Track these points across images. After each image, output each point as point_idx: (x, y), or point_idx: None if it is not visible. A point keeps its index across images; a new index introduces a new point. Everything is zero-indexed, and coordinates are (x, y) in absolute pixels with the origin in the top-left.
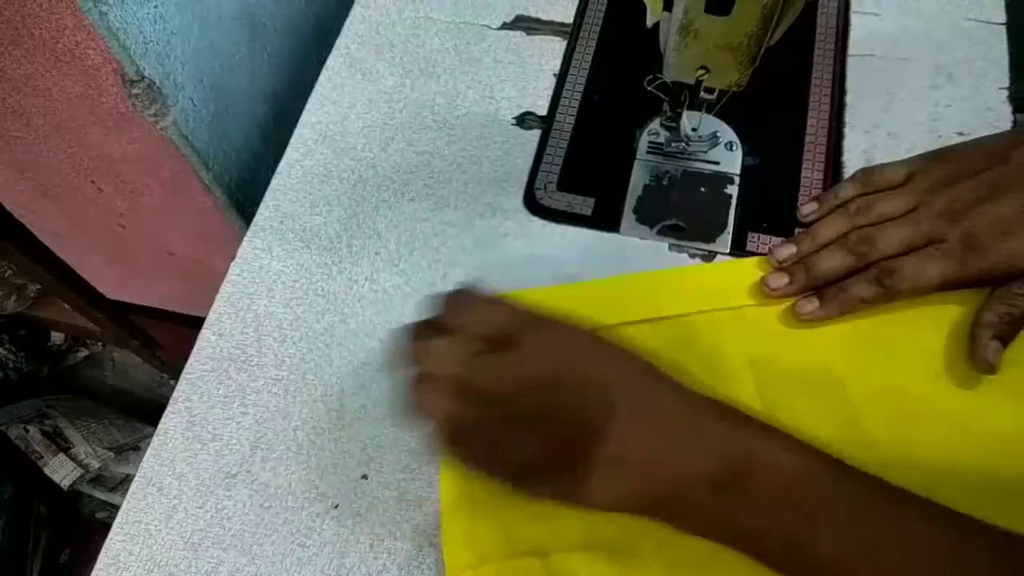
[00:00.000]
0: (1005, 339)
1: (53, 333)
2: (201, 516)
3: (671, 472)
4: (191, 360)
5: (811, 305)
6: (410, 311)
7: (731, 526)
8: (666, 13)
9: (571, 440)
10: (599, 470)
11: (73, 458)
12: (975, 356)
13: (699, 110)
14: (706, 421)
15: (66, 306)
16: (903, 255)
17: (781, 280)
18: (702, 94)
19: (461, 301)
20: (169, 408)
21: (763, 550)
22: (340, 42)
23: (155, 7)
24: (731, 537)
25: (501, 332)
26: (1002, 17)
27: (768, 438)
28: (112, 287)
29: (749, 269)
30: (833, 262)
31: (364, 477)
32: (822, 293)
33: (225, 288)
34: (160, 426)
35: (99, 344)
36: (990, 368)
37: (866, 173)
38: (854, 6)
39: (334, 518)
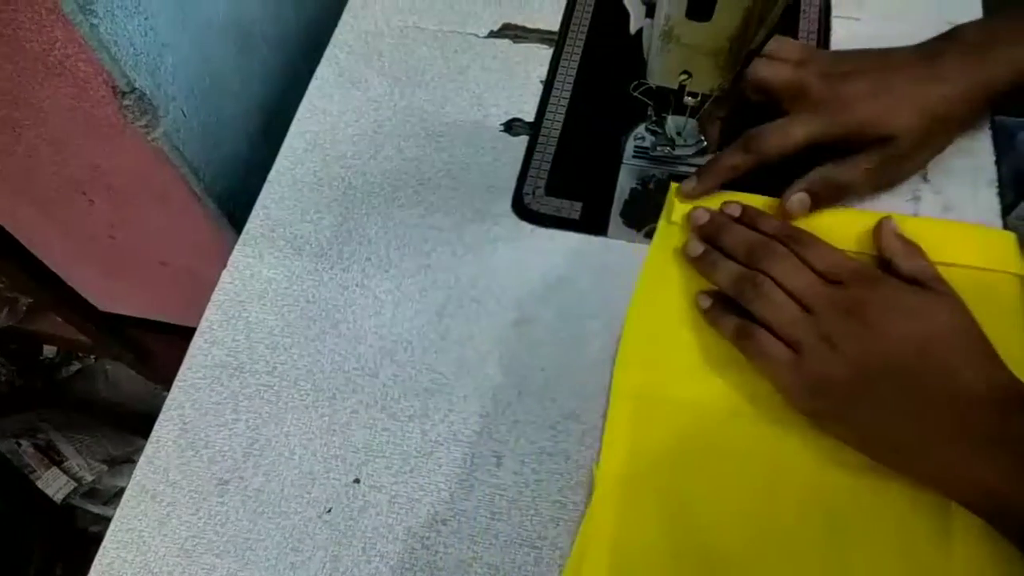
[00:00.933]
0: (817, 197)
1: (45, 347)
2: (194, 523)
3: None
4: (183, 368)
5: (690, 183)
6: (401, 316)
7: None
8: (649, 19)
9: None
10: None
11: (66, 472)
12: (783, 197)
13: (683, 114)
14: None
15: (58, 319)
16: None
17: (691, 182)
18: (686, 98)
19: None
20: (162, 416)
21: None
22: (329, 52)
23: (145, 19)
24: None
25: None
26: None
27: None
28: (104, 299)
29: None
30: (733, 160)
31: (356, 481)
32: (698, 170)
33: (217, 296)
34: (153, 434)
35: (92, 357)
36: (787, 213)
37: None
38: (835, 11)
39: (327, 523)
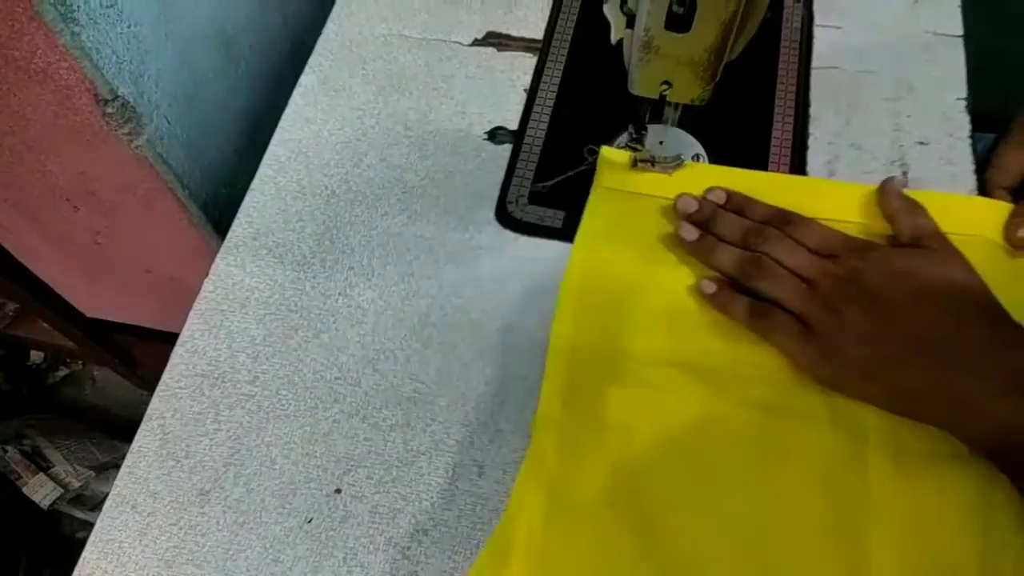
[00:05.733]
0: None
1: (33, 352)
2: (175, 533)
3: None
4: (164, 377)
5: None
6: (383, 325)
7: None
8: (629, 30)
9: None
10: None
11: (53, 478)
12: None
13: (664, 124)
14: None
15: (45, 325)
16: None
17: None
18: (667, 109)
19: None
20: (143, 426)
21: None
22: (313, 59)
23: (128, 27)
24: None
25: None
26: (959, 30)
27: None
28: (90, 305)
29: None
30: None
31: (337, 491)
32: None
33: (199, 305)
34: (134, 444)
35: (79, 362)
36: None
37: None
38: (817, 19)
39: (307, 533)
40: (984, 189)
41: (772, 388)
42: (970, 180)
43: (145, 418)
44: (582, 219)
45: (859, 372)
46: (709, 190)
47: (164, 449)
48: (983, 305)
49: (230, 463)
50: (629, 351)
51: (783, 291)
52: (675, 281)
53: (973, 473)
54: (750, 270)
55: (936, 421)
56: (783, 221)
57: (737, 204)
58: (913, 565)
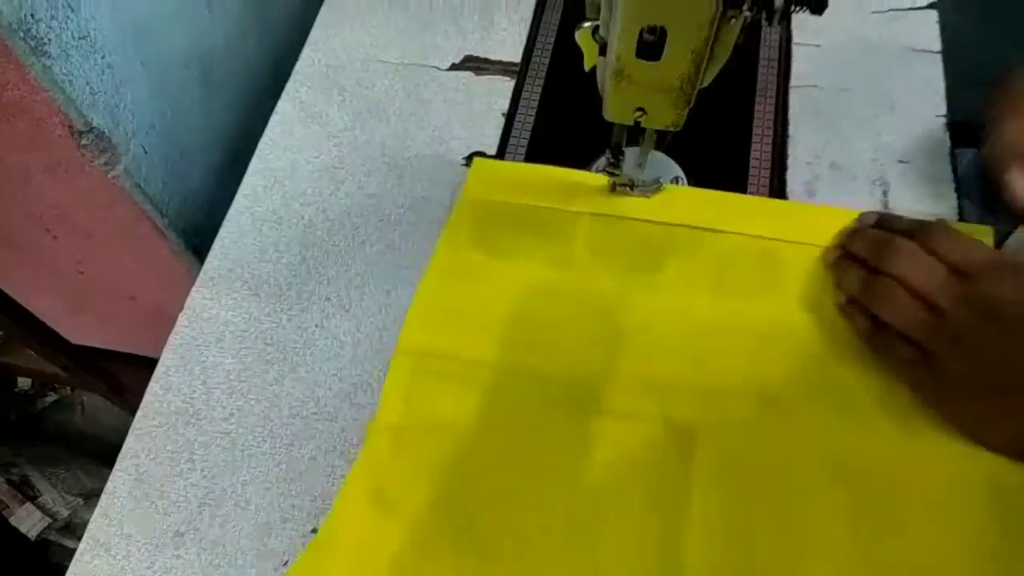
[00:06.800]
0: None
1: (20, 378)
2: None
3: None
4: (138, 415)
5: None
6: (360, 357)
7: None
8: (602, 57)
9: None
10: None
11: (41, 507)
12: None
13: (641, 148)
14: None
15: (31, 352)
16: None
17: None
18: (642, 134)
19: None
20: (117, 466)
21: None
22: (290, 86)
23: (102, 57)
24: None
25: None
26: (938, 45)
27: None
28: (75, 332)
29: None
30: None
31: (314, 531)
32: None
33: (173, 339)
34: (108, 485)
35: (68, 388)
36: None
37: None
38: (795, 37)
39: None
40: (991, 170)
41: (608, 391)
42: (951, 198)
43: (119, 458)
44: (444, 227)
45: (986, 420)
46: (862, 215)
47: (138, 490)
48: None
49: (205, 503)
50: (470, 355)
51: (901, 320)
52: (526, 285)
53: (799, 485)
54: (867, 296)
55: None
56: (921, 230)
57: (883, 221)
58: (724, 565)
